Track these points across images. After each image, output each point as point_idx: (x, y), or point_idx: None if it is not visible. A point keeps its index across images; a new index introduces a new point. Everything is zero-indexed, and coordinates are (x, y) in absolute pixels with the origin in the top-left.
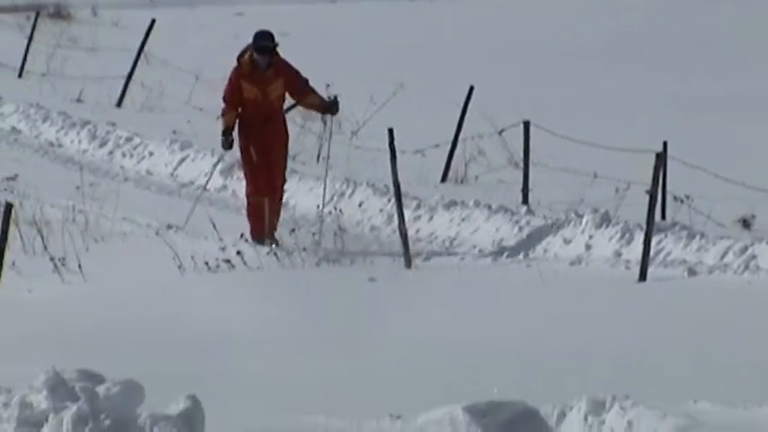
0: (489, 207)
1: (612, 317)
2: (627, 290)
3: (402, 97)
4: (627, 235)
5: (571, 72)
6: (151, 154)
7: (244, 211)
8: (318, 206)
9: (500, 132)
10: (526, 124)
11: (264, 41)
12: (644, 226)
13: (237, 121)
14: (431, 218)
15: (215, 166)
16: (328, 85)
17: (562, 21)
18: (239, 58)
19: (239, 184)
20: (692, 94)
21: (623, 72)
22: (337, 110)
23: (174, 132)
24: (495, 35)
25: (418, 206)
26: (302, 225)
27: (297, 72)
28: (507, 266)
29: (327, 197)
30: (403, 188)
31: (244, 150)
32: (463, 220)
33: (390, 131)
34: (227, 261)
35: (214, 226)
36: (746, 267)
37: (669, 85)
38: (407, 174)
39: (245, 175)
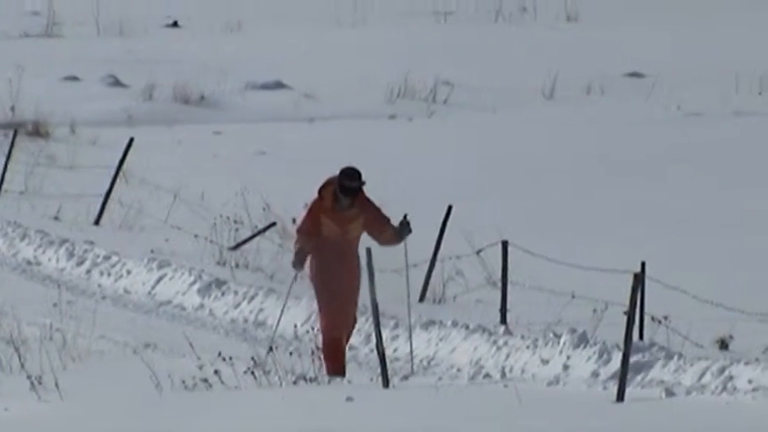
0: (467, 327)
1: None
2: (604, 410)
3: None
4: (604, 355)
5: (549, 189)
6: (129, 272)
7: (222, 333)
8: (296, 325)
9: (478, 252)
10: (504, 244)
11: (351, 182)
12: (621, 346)
13: (310, 257)
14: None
15: (287, 298)
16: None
17: (538, 139)
18: (321, 189)
19: (216, 303)
20: (671, 212)
21: (600, 190)
22: (410, 230)
23: (152, 251)
24: (474, 153)
25: (396, 326)
26: (280, 344)
27: (379, 210)
28: (485, 386)
29: (305, 317)
30: (381, 307)
31: (319, 286)
32: (441, 339)
33: (368, 251)
34: (205, 380)
35: (191, 345)
36: (724, 388)
37: (648, 203)
38: (385, 293)
39: (320, 309)
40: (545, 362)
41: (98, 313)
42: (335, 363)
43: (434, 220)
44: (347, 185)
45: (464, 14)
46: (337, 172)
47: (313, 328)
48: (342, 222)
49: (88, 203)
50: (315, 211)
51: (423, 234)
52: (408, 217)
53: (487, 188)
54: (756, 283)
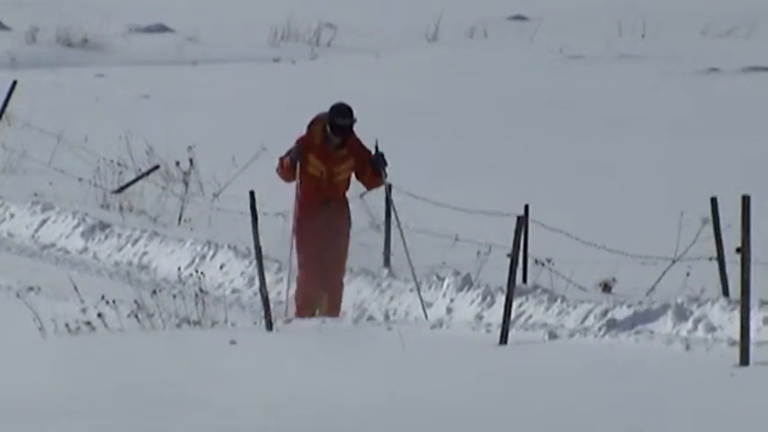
0: (350, 270)
1: (473, 380)
2: (487, 353)
3: (264, 159)
4: (488, 298)
5: (432, 132)
6: (12, 216)
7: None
8: (179, 268)
9: (361, 196)
10: (387, 187)
11: (343, 119)
12: (505, 289)
13: (296, 198)
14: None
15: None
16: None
17: (422, 81)
18: (310, 125)
19: (100, 246)
20: (553, 154)
21: (483, 134)
22: (386, 162)
23: (36, 194)
24: (357, 95)
25: (279, 269)
26: (163, 287)
27: (369, 152)
28: (368, 329)
29: (188, 260)
30: (264, 250)
31: (300, 234)
32: None
33: (252, 194)
34: (88, 323)
35: (75, 288)
36: (607, 331)
37: (530, 146)
38: (269, 236)
39: (299, 261)
40: (428, 305)
41: None
42: (306, 312)
43: None
44: (339, 123)
45: None
46: (327, 109)
47: (197, 271)
48: (330, 163)
49: None
50: (302, 147)
51: None
52: (379, 146)
53: (371, 131)
54: (638, 226)
